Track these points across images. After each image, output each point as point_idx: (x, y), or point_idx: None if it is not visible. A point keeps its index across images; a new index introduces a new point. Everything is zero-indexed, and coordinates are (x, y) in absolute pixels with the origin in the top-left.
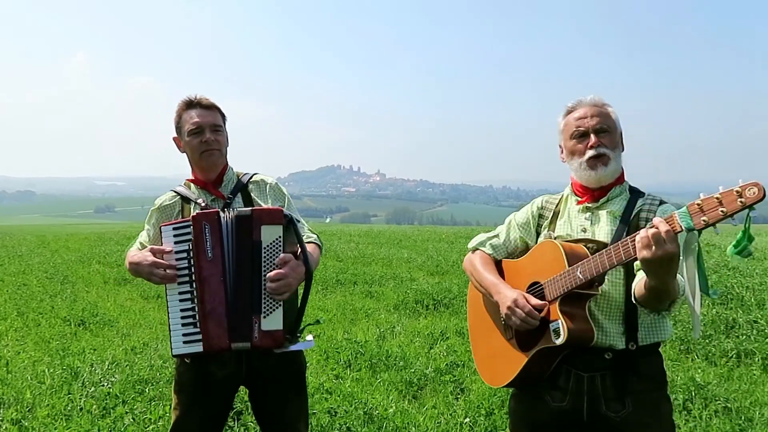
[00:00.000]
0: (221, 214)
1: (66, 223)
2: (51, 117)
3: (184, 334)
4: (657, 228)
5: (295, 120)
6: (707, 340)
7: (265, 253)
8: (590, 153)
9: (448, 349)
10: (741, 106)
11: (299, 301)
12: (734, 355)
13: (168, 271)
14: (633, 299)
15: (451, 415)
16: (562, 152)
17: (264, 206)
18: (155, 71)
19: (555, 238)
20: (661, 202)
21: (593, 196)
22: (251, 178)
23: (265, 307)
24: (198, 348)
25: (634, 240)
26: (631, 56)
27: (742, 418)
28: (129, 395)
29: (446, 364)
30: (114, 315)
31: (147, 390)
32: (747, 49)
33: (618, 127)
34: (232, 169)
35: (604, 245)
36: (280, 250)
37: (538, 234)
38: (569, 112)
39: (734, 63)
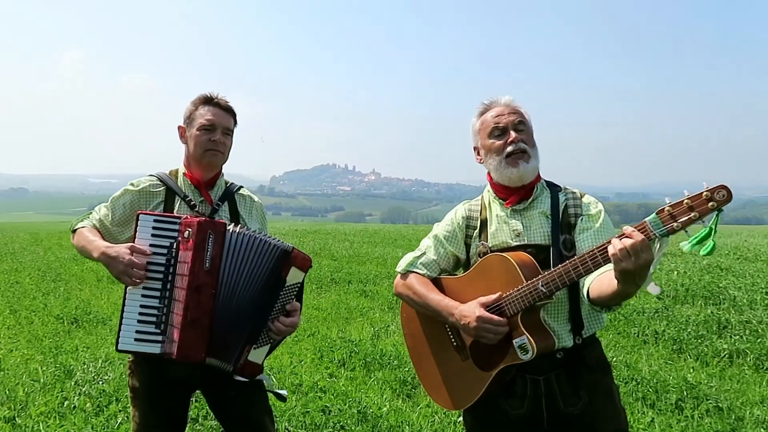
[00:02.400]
0: (228, 227)
1: (59, 221)
2: (45, 114)
3: (138, 332)
4: (633, 239)
5: (291, 118)
6: (699, 341)
7: (282, 292)
8: (510, 148)
9: None
10: (733, 110)
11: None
12: (726, 355)
13: (141, 273)
14: (587, 300)
15: (444, 414)
16: (478, 154)
17: (299, 250)
18: (150, 69)
19: (491, 248)
20: (582, 195)
21: (518, 196)
22: (238, 189)
23: (260, 340)
24: (152, 349)
25: (603, 250)
26: (627, 57)
27: (733, 417)
28: (123, 393)
29: None
30: (107, 313)
31: None
32: (740, 53)
33: (531, 126)
34: (223, 175)
35: (543, 247)
36: (293, 296)
37: (467, 245)
38: (485, 111)
39: (727, 66)
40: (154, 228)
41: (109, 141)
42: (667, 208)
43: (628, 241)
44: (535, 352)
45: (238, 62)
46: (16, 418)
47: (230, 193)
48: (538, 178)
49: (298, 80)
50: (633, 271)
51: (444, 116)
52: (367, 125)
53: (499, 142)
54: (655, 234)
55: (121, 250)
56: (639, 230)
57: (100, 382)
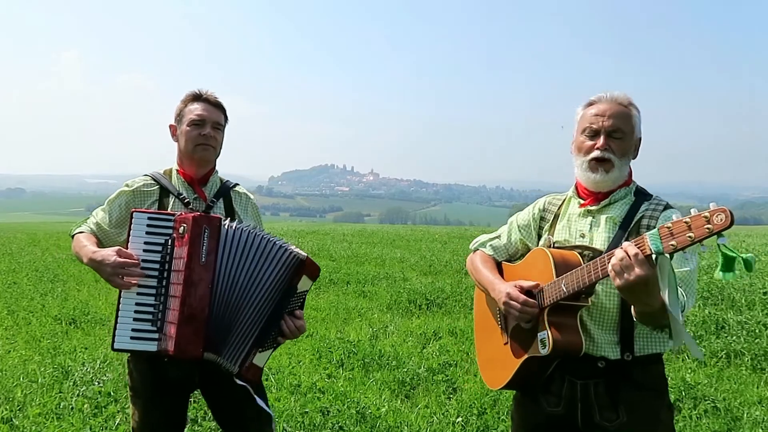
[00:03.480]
0: (223, 222)
1: (57, 221)
2: (42, 113)
3: (134, 329)
4: (626, 252)
5: (289, 119)
6: (698, 341)
7: (293, 299)
8: (595, 154)
9: (441, 348)
10: (731, 110)
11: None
12: (724, 356)
13: (132, 279)
14: (634, 317)
15: (443, 414)
16: (572, 143)
17: (311, 259)
18: (148, 69)
19: (554, 243)
20: (666, 207)
21: (596, 198)
22: (233, 186)
23: (266, 344)
24: (148, 347)
25: (612, 257)
26: (624, 57)
27: (731, 417)
28: (121, 394)
29: (439, 364)
30: (105, 313)
31: None
32: (738, 53)
33: (636, 132)
34: (217, 172)
35: (600, 253)
36: (300, 303)
37: (539, 237)
38: (589, 104)
39: (725, 66)
40: (148, 225)
41: (107, 141)
42: (668, 225)
43: (620, 254)
44: (551, 348)
45: (237, 62)
46: (14, 419)
47: (225, 190)
48: (628, 182)
49: (297, 81)
50: (626, 288)
51: (443, 117)
52: (365, 126)
53: (588, 143)
54: (650, 249)
55: (107, 253)
56: (637, 244)
57: (98, 383)
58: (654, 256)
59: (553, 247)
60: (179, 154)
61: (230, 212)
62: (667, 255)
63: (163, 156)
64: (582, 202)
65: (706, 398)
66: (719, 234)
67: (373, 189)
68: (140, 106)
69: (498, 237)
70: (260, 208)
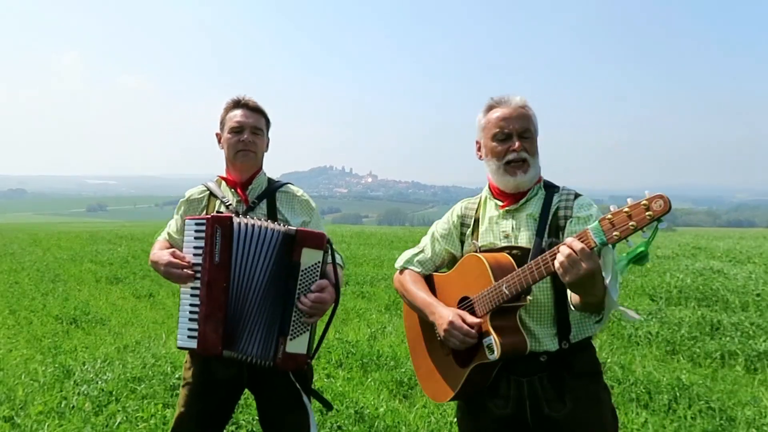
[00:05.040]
0: (235, 219)
1: (58, 222)
2: (43, 115)
3: (189, 329)
4: (572, 248)
5: (288, 120)
6: (692, 342)
7: (301, 276)
8: (511, 156)
9: None
10: (725, 112)
11: (322, 327)
12: (718, 356)
13: (184, 271)
14: (571, 307)
15: (440, 414)
16: (479, 149)
17: (309, 229)
18: (148, 70)
19: (480, 248)
20: (576, 196)
21: (514, 198)
22: (281, 186)
23: (293, 330)
24: (194, 345)
25: (554, 255)
26: (624, 59)
27: (725, 417)
28: (122, 393)
29: None
30: (106, 313)
31: (139, 388)
32: (733, 54)
33: (537, 131)
34: (264, 174)
35: (527, 251)
36: (317, 275)
37: (462, 243)
38: (490, 109)
39: (720, 68)
40: (195, 230)
41: (107, 142)
42: (608, 216)
43: (566, 251)
44: (500, 352)
45: (237, 63)
46: (16, 418)
47: (271, 191)
48: (538, 180)
49: (297, 82)
50: (575, 283)
51: (441, 119)
52: (364, 127)
53: (501, 147)
54: (595, 242)
55: (162, 254)
56: (581, 239)
57: (99, 382)
58: (597, 248)
59: (480, 252)
60: (225, 160)
61: (272, 212)
62: (611, 246)
63: (163, 157)
64: (500, 203)
65: (701, 398)
66: (659, 219)
67: (372, 191)
68: (140, 108)
69: (422, 251)
70: None
